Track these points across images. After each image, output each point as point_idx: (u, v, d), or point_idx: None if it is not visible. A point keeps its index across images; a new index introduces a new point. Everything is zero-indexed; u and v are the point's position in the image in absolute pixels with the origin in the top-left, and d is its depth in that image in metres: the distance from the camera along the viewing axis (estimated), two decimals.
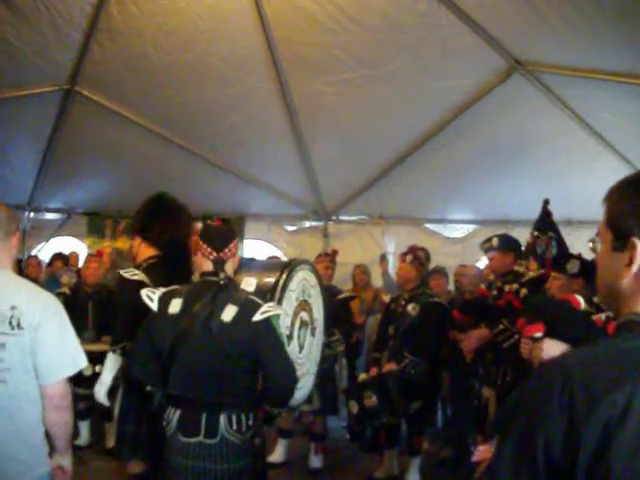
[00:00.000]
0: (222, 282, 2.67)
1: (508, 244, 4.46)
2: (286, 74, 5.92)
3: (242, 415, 2.58)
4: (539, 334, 2.64)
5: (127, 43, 5.77)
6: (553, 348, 2.33)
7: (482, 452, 2.08)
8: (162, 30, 5.54)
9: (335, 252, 6.56)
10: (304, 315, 3.49)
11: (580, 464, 0.91)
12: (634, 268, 1.05)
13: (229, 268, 2.76)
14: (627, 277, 1.06)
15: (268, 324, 2.57)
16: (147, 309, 2.74)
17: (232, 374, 2.56)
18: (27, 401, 2.22)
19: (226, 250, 2.72)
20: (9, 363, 2.16)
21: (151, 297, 2.70)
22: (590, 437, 0.90)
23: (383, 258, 6.82)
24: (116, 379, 3.32)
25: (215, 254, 2.71)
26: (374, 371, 4.77)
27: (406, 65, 5.46)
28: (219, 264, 2.71)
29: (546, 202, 4.88)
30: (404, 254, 5.02)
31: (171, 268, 3.42)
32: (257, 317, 2.53)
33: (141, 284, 3.24)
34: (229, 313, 2.54)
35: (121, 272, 3.47)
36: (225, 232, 2.81)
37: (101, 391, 3.27)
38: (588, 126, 5.54)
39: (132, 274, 3.35)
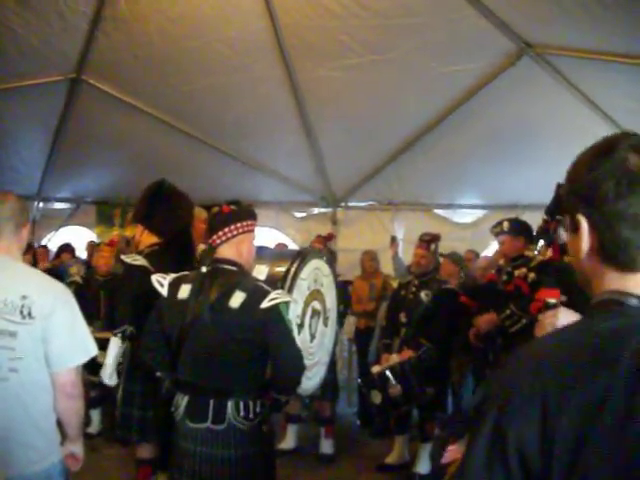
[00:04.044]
0: (204, 270, 2.64)
1: (519, 228, 4.48)
2: (293, 60, 5.88)
3: (249, 402, 2.58)
4: (553, 300, 2.59)
5: (133, 31, 5.75)
6: (568, 317, 2.29)
7: (452, 452, 1.95)
8: (168, 17, 5.51)
9: (331, 235, 6.54)
10: (316, 304, 3.47)
11: (555, 461, 0.84)
12: (584, 247, 1.02)
13: (227, 252, 2.68)
14: (584, 257, 1.03)
15: (276, 311, 2.55)
16: (151, 294, 2.75)
17: (240, 361, 2.56)
18: (40, 389, 2.24)
19: (214, 237, 2.67)
20: (21, 352, 2.17)
21: (161, 282, 2.71)
22: (565, 431, 0.84)
23: (393, 240, 6.81)
24: (119, 363, 3.40)
25: (207, 241, 2.73)
26: (386, 358, 4.77)
27: (414, 50, 5.40)
28: (209, 251, 2.70)
29: (559, 186, 4.84)
30: (427, 241, 4.98)
31: (173, 254, 3.45)
32: (265, 304, 2.51)
33: (143, 269, 3.28)
34: (237, 299, 2.53)
35: (123, 257, 3.55)
36: (219, 219, 2.71)
37: (105, 373, 3.39)
38: (599, 109, 5.47)
39: (133, 259, 3.41)
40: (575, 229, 1.03)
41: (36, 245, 8.17)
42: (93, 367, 4.42)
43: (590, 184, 0.99)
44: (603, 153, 1.00)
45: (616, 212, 0.97)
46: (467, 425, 1.02)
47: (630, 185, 0.96)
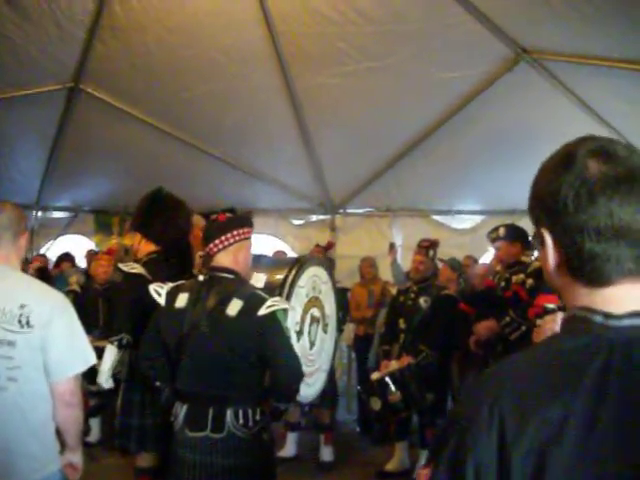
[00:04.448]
0: (201, 278, 2.65)
1: (515, 233, 4.47)
2: (290, 67, 5.89)
3: (249, 410, 2.57)
4: (552, 305, 2.58)
5: (130, 40, 5.77)
6: None
7: (423, 477, 1.94)
8: (165, 26, 5.53)
9: (330, 244, 6.53)
10: (315, 311, 3.47)
11: None
12: (551, 262, 0.97)
13: (224, 260, 2.68)
14: (552, 272, 0.98)
15: (273, 318, 2.55)
16: (148, 303, 2.76)
17: (238, 368, 2.56)
18: (38, 398, 2.24)
19: (211, 245, 2.67)
20: (19, 361, 2.17)
21: (159, 292, 2.71)
22: (523, 461, 0.80)
23: (392, 247, 6.81)
24: (116, 372, 3.38)
25: (204, 249, 2.73)
26: (385, 364, 4.76)
27: (411, 56, 5.42)
28: (206, 259, 2.70)
29: None
30: (425, 247, 4.98)
31: (171, 263, 3.45)
32: (262, 311, 2.51)
33: (141, 277, 3.28)
34: (234, 307, 2.53)
35: (120, 266, 3.54)
36: (216, 227, 2.72)
37: (101, 379, 3.35)
38: (596, 114, 5.48)
39: (130, 267, 3.41)
40: (541, 243, 0.98)
41: (35, 254, 8.17)
42: (92, 376, 4.43)
43: (550, 197, 0.94)
44: (562, 163, 0.95)
45: (577, 225, 0.91)
46: (430, 450, 1.00)
47: (590, 195, 0.90)
